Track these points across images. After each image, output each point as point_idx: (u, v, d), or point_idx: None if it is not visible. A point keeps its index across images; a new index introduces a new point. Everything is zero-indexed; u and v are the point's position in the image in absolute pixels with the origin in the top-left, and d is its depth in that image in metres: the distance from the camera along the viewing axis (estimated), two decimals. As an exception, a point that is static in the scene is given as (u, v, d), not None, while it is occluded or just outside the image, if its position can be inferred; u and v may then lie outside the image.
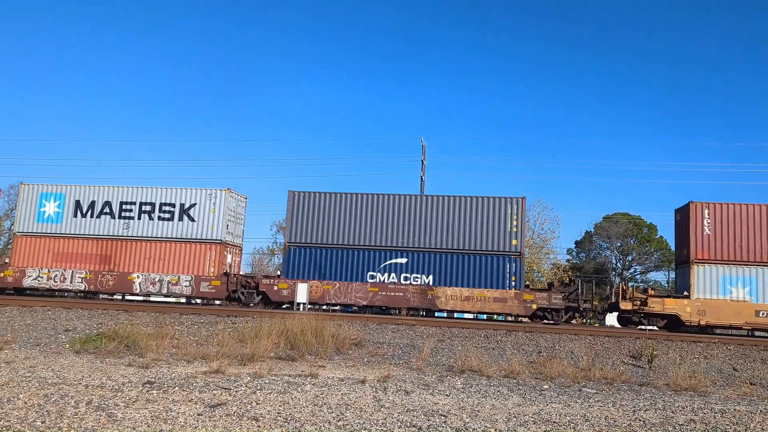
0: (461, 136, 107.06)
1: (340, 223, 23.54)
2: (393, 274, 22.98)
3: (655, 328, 21.42)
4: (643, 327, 21.27)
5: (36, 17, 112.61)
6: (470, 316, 25.38)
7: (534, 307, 21.84)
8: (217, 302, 24.18)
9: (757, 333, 22.13)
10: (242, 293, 23.57)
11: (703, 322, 21.06)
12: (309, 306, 22.38)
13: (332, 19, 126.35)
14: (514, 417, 8.47)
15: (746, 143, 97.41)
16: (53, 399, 8.12)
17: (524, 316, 22.51)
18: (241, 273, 25.41)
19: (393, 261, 23.14)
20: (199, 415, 7.62)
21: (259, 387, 9.68)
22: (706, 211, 21.71)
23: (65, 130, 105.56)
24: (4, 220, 51.50)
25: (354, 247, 23.29)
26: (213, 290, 23.55)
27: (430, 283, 22.72)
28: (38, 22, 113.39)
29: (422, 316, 22.53)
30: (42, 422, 6.93)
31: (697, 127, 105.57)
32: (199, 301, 24.89)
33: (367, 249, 23.23)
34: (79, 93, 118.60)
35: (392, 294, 22.72)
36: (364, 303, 22.83)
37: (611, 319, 26.52)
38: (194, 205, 24.41)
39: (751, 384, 13.18)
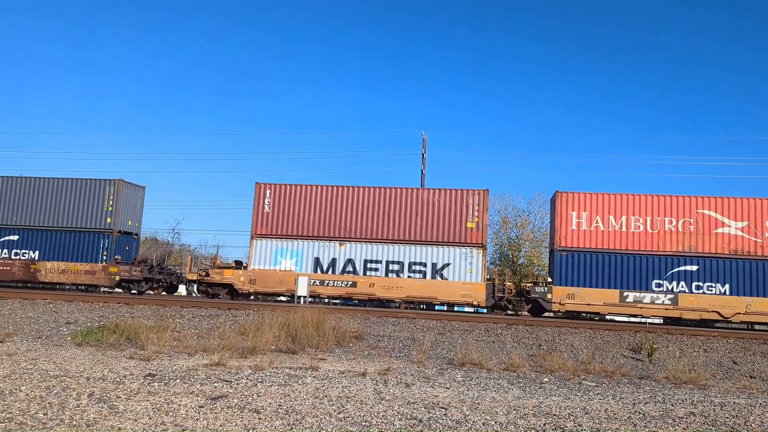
0: (461, 134, 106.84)
1: None
2: (6, 250, 26.05)
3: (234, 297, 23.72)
4: (217, 297, 23.55)
5: (36, 15, 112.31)
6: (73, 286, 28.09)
7: (117, 278, 25.06)
8: None
9: (756, 327, 22.14)
10: None
11: (252, 290, 23.50)
12: None
13: (332, 19, 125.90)
14: (514, 410, 8.49)
15: (746, 137, 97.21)
16: (55, 391, 8.16)
17: (109, 286, 25.75)
18: None
19: (6, 238, 26.20)
20: (200, 407, 7.65)
21: (260, 380, 9.71)
22: (268, 191, 24.00)
23: (68, 126, 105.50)
24: None
25: None
26: None
27: (36, 258, 25.59)
28: (38, 20, 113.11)
29: (28, 288, 25.38)
30: (44, 414, 6.96)
31: (696, 126, 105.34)
32: None
33: None
34: (79, 92, 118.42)
35: (1, 268, 25.68)
36: None
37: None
38: None
39: (750, 377, 13.21)
